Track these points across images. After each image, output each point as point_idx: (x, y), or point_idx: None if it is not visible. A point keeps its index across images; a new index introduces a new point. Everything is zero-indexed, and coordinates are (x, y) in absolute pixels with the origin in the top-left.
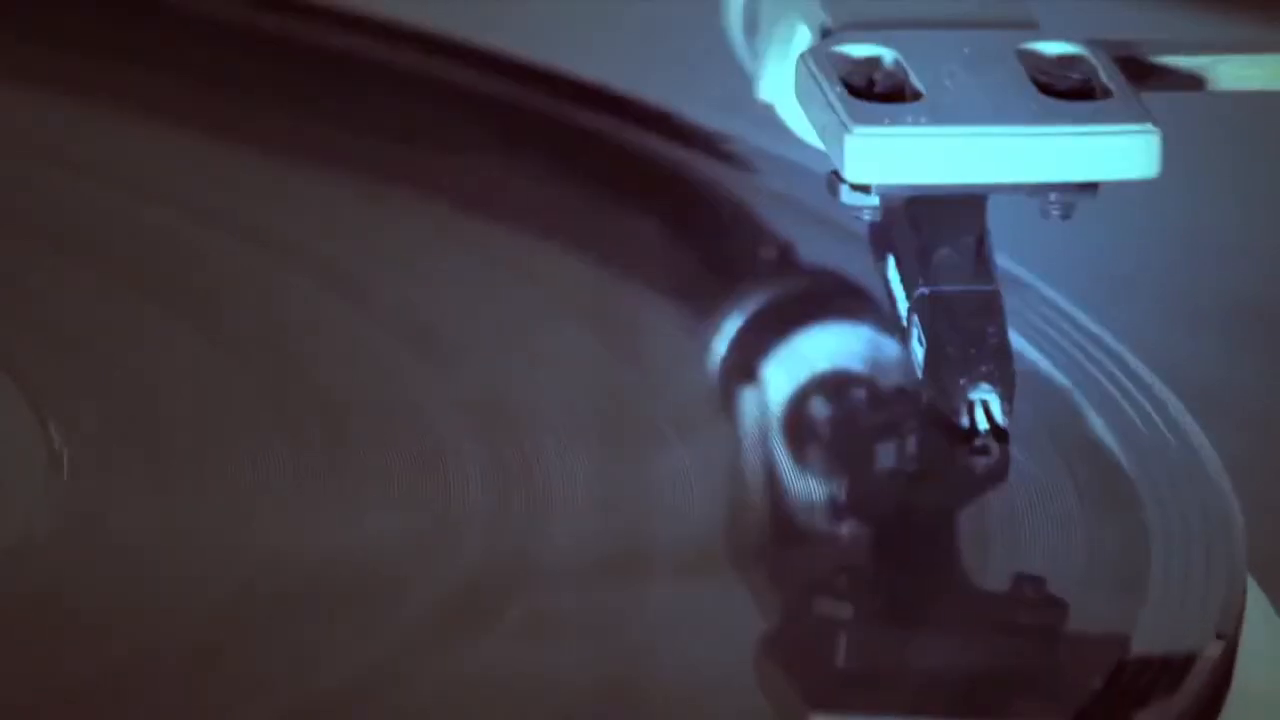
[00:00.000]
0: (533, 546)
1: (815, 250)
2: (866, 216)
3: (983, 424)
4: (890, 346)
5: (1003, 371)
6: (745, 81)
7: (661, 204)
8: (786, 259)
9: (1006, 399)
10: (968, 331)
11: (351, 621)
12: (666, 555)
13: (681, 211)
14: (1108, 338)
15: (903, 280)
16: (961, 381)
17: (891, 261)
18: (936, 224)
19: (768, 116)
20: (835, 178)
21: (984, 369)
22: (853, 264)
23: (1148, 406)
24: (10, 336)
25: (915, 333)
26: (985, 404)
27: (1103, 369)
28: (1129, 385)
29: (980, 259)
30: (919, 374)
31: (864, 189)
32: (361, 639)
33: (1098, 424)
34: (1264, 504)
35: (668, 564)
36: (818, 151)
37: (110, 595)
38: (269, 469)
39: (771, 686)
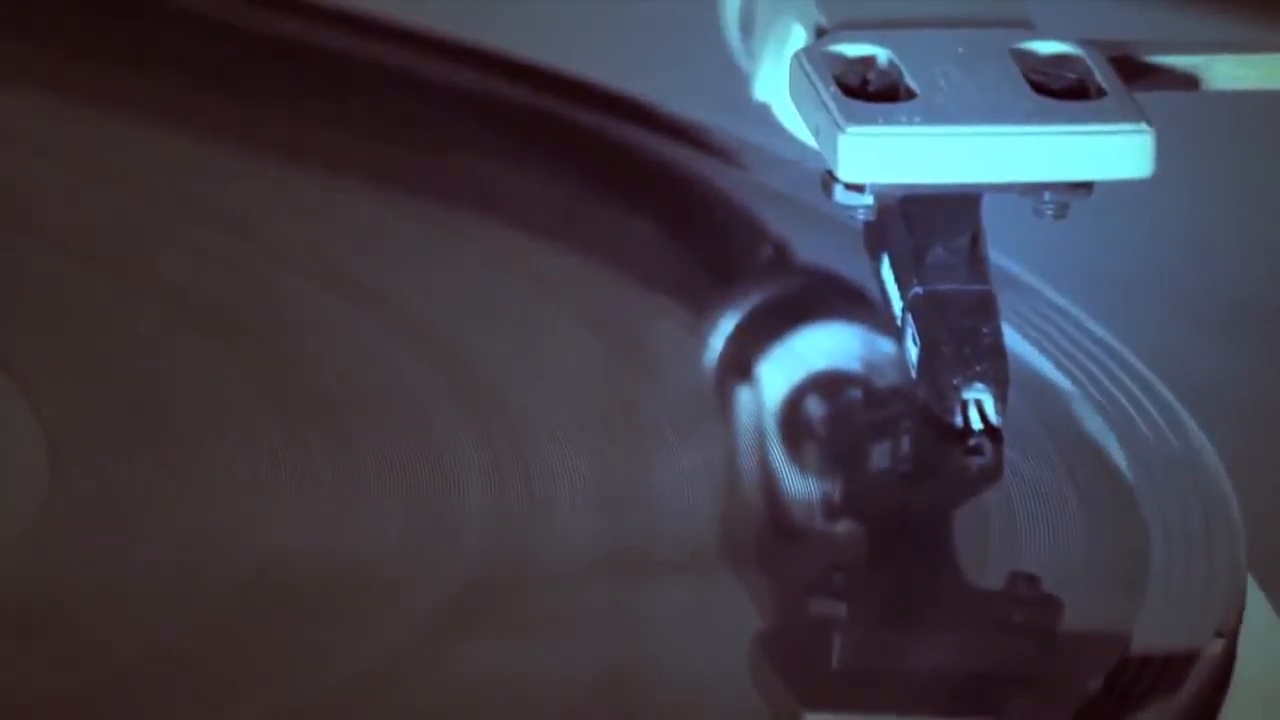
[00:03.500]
0: (532, 546)
1: (811, 248)
2: (861, 216)
3: (977, 423)
4: (884, 344)
5: (997, 371)
6: (742, 80)
7: (659, 203)
8: (782, 257)
9: (1000, 398)
10: (962, 331)
11: (351, 621)
12: (665, 555)
13: (679, 210)
14: (1107, 337)
15: (897, 279)
16: (955, 381)
17: (886, 261)
18: (931, 223)
19: (764, 115)
20: (829, 177)
21: (978, 368)
22: (848, 262)
23: (1147, 406)
24: (10, 336)
25: (909, 332)
26: (979, 403)
27: (1102, 368)
28: (1129, 385)
29: (975, 258)
30: (913, 373)
31: (858, 188)
32: (361, 638)
33: (1098, 424)
34: (1264, 504)
35: (666, 564)
36: (814, 149)
37: (109, 595)
38: (269, 468)
39: (768, 686)
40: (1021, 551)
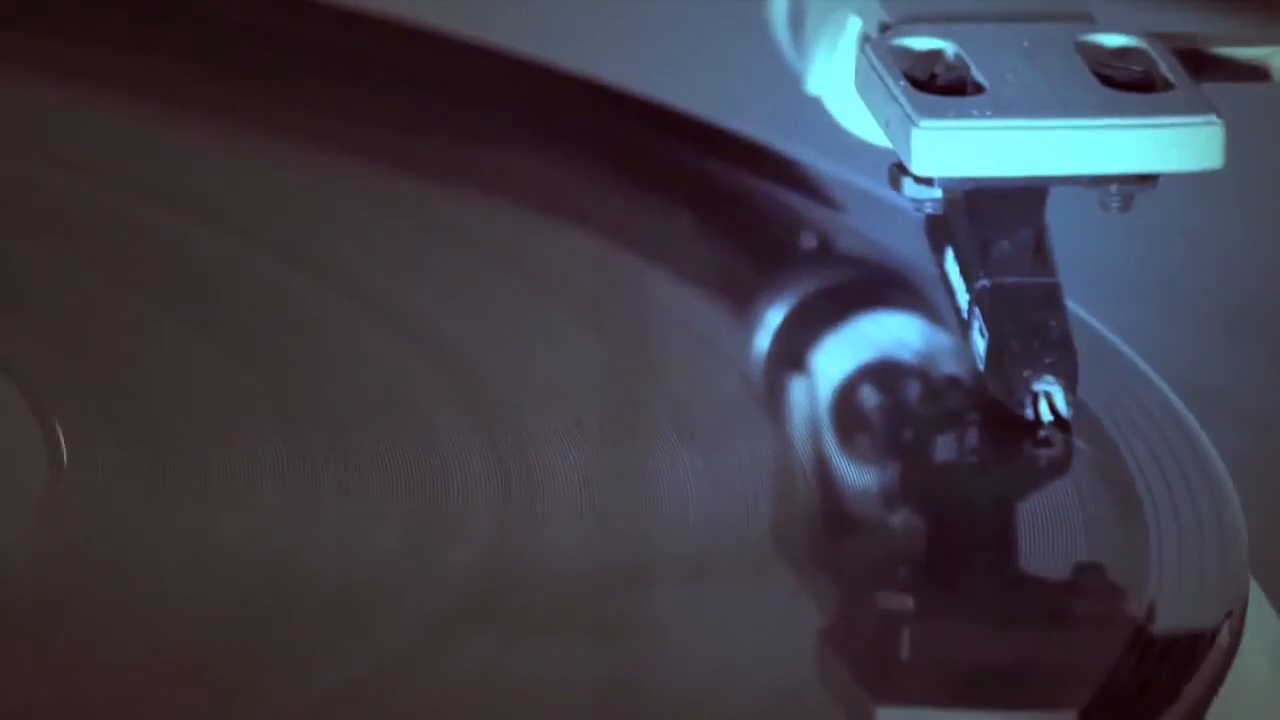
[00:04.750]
0: (533, 547)
1: (804, 248)
2: (929, 209)
3: (1047, 415)
4: (939, 335)
5: (1066, 363)
6: (746, 77)
7: (666, 203)
8: (775, 258)
9: (1070, 390)
10: (1030, 323)
11: (351, 622)
12: (666, 556)
13: (686, 207)
14: (1108, 337)
15: (962, 272)
16: (1025, 374)
17: (950, 253)
18: (997, 216)
19: (766, 114)
20: (899, 170)
21: (1047, 361)
22: (850, 259)
23: (1149, 406)
24: (10, 336)
25: (976, 325)
26: (1049, 395)
27: (1104, 369)
28: (1130, 385)
29: (1039, 251)
30: (980, 366)
31: (927, 181)
32: (361, 639)
33: (1098, 424)
34: (1264, 504)
35: (667, 565)
36: (866, 141)
37: (110, 596)
38: (269, 469)
39: (770, 686)
40: (1024, 551)
